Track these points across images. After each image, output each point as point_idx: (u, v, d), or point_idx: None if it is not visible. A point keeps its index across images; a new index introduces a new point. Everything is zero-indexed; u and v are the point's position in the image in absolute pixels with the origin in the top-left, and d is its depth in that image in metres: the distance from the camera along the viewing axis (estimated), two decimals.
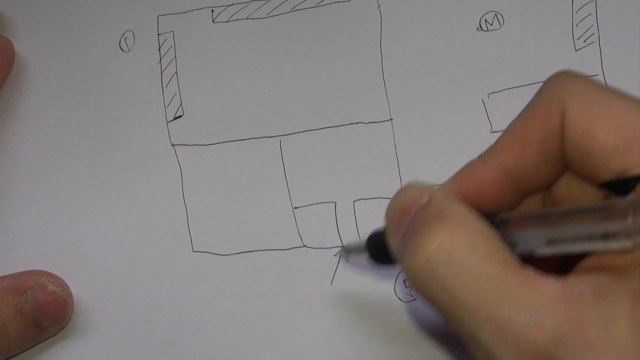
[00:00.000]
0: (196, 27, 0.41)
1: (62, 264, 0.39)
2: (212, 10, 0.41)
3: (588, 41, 0.35)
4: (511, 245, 0.23)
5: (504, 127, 0.35)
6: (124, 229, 0.39)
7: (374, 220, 0.36)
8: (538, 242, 0.22)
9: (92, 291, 0.39)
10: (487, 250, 0.22)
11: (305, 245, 0.37)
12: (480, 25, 0.37)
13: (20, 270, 0.39)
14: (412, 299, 0.35)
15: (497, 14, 0.37)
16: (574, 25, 0.35)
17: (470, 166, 0.26)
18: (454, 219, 0.23)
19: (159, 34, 0.41)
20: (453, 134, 0.36)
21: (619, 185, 0.21)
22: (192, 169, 0.39)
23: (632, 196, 0.20)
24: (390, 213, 0.26)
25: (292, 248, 0.37)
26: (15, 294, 0.37)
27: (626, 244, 0.20)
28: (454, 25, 0.37)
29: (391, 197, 0.36)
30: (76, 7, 0.43)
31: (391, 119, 0.37)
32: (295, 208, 0.37)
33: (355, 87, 0.38)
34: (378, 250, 0.29)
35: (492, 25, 0.37)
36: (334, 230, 0.37)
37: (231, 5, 0.40)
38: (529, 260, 0.23)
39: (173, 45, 0.41)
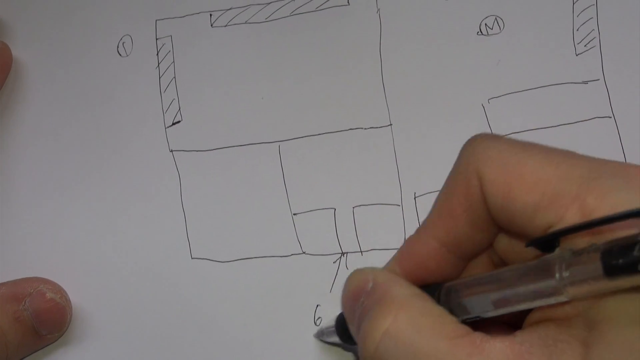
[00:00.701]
0: (194, 32, 0.40)
1: (60, 271, 0.39)
2: (211, 15, 0.40)
3: (589, 45, 0.35)
4: (464, 312, 0.24)
5: (505, 132, 0.35)
6: (123, 235, 0.39)
7: (373, 226, 0.36)
8: (486, 306, 0.23)
9: (90, 298, 0.39)
10: (431, 327, 0.22)
11: (304, 252, 0.37)
12: (480, 29, 0.37)
13: (19, 277, 0.39)
14: None
15: (498, 18, 0.36)
16: (575, 30, 0.35)
17: (407, 244, 0.27)
18: (396, 302, 0.23)
19: (157, 39, 0.41)
20: (453, 139, 0.36)
21: (545, 243, 0.21)
22: (190, 174, 0.39)
23: (557, 252, 0.20)
24: (343, 302, 0.27)
25: (292, 255, 0.37)
26: (14, 302, 0.37)
27: (561, 298, 0.20)
28: (454, 30, 0.37)
29: (390, 203, 0.36)
30: (74, 12, 0.42)
31: (391, 124, 0.37)
32: (295, 214, 0.37)
33: (354, 92, 0.38)
34: (346, 331, 0.30)
35: (492, 29, 0.36)
36: (333, 237, 0.36)
37: (229, 9, 0.40)
38: (483, 320, 0.23)
39: (171, 50, 0.40)
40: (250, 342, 0.36)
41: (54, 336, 0.38)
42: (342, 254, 0.36)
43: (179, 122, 0.40)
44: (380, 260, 0.35)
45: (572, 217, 0.21)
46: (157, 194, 0.39)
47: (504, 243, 0.26)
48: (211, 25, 0.40)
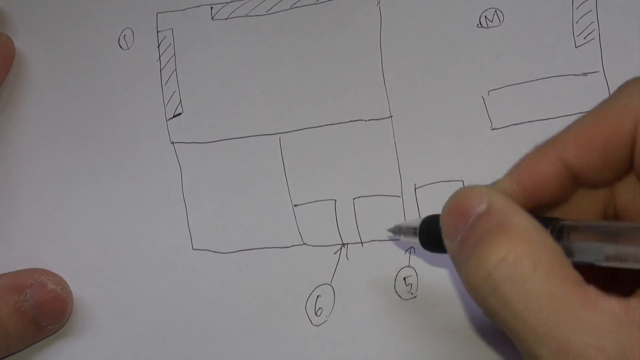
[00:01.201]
0: (195, 25, 0.41)
1: (61, 263, 0.39)
2: (212, 8, 0.41)
3: (588, 38, 0.35)
4: (569, 253, 0.23)
5: (504, 124, 0.35)
6: (124, 227, 0.39)
7: (374, 217, 0.36)
8: (597, 255, 0.23)
9: (91, 290, 0.39)
10: (550, 266, 0.22)
11: (305, 243, 0.37)
12: (480, 22, 0.37)
13: (20, 269, 0.39)
14: (412, 296, 0.35)
15: (497, 10, 0.37)
16: (574, 22, 0.36)
17: (530, 159, 0.26)
18: (517, 232, 0.23)
19: (158, 32, 0.41)
20: (453, 131, 0.36)
21: None
22: (191, 166, 0.39)
23: None
24: (446, 215, 0.26)
25: (292, 246, 0.37)
26: (15, 292, 0.37)
27: None
28: (454, 22, 0.37)
29: (390, 194, 0.36)
30: (76, 4, 0.43)
31: (391, 116, 0.37)
32: (295, 206, 0.37)
33: (355, 84, 0.38)
34: (431, 237, 0.29)
35: (492, 22, 0.37)
36: (334, 228, 0.37)
37: (230, 2, 0.40)
38: (587, 270, 0.23)
39: (172, 43, 0.41)
40: (251, 333, 0.36)
41: (54, 327, 0.38)
42: (343, 245, 0.36)
43: (180, 114, 0.40)
44: (380, 251, 0.36)
45: None
46: (158, 185, 0.39)
47: (629, 195, 0.25)
48: (212, 18, 0.41)
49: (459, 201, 0.26)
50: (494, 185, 0.27)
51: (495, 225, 0.24)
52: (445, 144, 0.36)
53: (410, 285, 0.35)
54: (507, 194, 0.26)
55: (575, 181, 0.26)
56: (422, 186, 0.36)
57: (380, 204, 0.36)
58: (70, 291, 0.39)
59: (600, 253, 0.23)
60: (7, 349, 0.37)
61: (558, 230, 0.24)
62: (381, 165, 0.37)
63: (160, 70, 0.41)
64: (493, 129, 0.36)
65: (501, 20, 0.37)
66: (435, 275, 0.35)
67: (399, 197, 0.36)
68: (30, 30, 0.43)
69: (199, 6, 0.41)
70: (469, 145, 0.36)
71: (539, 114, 0.35)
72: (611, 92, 0.35)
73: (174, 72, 0.40)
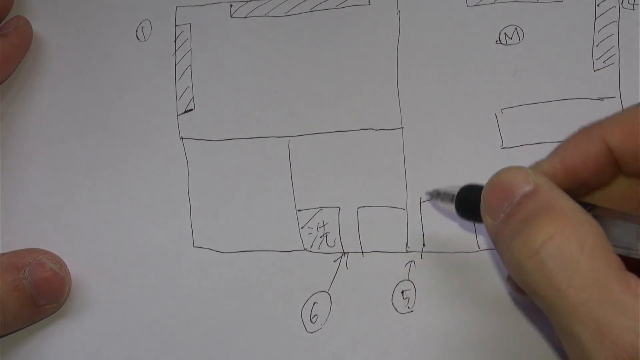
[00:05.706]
0: (214, 21, 0.42)
1: (62, 247, 0.41)
2: (231, 5, 0.42)
3: (607, 62, 0.36)
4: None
5: (516, 143, 0.36)
6: (127, 217, 0.41)
7: (376, 228, 0.37)
8: (630, 241, 0.24)
9: (90, 275, 0.40)
10: (594, 247, 0.23)
11: (306, 249, 0.38)
12: (499, 38, 0.37)
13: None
14: (409, 310, 0.36)
15: (518, 28, 0.37)
16: (595, 45, 0.36)
17: (574, 138, 0.28)
18: (564, 214, 0.24)
19: (176, 25, 0.42)
20: (463, 147, 0.37)
21: None
22: (199, 163, 0.40)
23: None
24: (489, 192, 0.28)
25: (293, 251, 0.38)
26: (13, 270, 0.38)
27: None
28: (473, 37, 0.38)
29: (395, 206, 0.37)
30: None
31: (402, 128, 0.38)
32: (299, 210, 0.38)
33: (368, 93, 0.39)
34: (467, 206, 0.31)
35: (511, 39, 0.37)
36: (335, 236, 0.38)
37: (250, 1, 0.41)
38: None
39: (189, 38, 0.42)
40: (244, 334, 0.38)
41: (52, 307, 0.40)
42: (343, 253, 0.37)
43: (191, 110, 0.41)
44: (380, 262, 0.37)
45: None
46: (164, 179, 0.41)
47: None
48: (231, 16, 0.42)
49: (504, 180, 0.27)
50: (536, 166, 0.29)
51: (542, 206, 0.25)
52: (455, 160, 0.37)
53: (407, 299, 0.36)
54: (549, 175, 0.27)
55: (617, 167, 0.27)
56: (428, 200, 0.37)
57: (384, 215, 0.37)
58: (69, 272, 0.40)
59: (634, 239, 0.24)
60: (5, 327, 0.39)
61: (594, 216, 0.26)
62: (388, 177, 0.38)
63: (175, 65, 0.42)
64: (503, 148, 0.36)
65: (521, 38, 0.37)
66: (434, 290, 0.36)
67: (404, 209, 0.37)
68: (48, 15, 0.45)
69: (219, 2, 0.42)
70: (478, 163, 0.36)
71: (551, 136, 0.36)
72: None
73: (189, 67, 0.42)
